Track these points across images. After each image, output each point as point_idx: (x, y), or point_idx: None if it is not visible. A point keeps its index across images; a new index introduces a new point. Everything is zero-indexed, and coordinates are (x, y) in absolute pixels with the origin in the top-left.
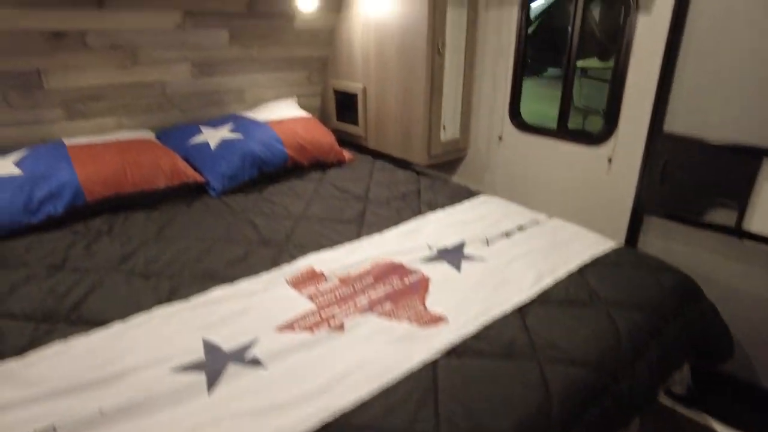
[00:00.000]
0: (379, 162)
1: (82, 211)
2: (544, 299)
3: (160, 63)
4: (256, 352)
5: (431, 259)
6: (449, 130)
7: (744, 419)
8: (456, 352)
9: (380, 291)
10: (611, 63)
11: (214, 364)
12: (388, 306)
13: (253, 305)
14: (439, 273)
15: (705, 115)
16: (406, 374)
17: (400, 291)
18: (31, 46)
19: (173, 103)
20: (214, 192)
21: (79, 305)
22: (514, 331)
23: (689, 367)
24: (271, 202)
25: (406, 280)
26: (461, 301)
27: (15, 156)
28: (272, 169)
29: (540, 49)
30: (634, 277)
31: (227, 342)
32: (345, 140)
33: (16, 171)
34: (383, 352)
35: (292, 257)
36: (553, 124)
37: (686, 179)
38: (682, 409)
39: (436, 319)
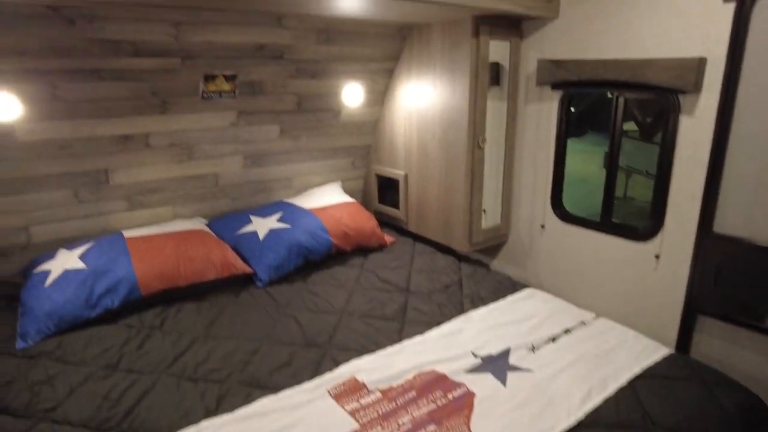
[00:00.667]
0: (419, 245)
1: (137, 304)
2: (594, 421)
3: (214, 157)
4: None
5: (476, 370)
6: (490, 217)
7: None
8: None
9: (423, 409)
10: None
11: None
12: (431, 428)
13: (298, 421)
14: (484, 387)
15: (757, 217)
16: None
17: (444, 408)
18: (102, 148)
19: (225, 193)
20: (260, 283)
21: (131, 412)
22: None
23: None
24: (314, 294)
25: (450, 396)
26: (508, 425)
27: (80, 250)
28: (317, 257)
29: (581, 120)
30: (692, 395)
31: None
32: (386, 222)
33: (80, 265)
34: None
35: (334, 363)
36: (590, 184)
37: (742, 281)
38: None
39: None
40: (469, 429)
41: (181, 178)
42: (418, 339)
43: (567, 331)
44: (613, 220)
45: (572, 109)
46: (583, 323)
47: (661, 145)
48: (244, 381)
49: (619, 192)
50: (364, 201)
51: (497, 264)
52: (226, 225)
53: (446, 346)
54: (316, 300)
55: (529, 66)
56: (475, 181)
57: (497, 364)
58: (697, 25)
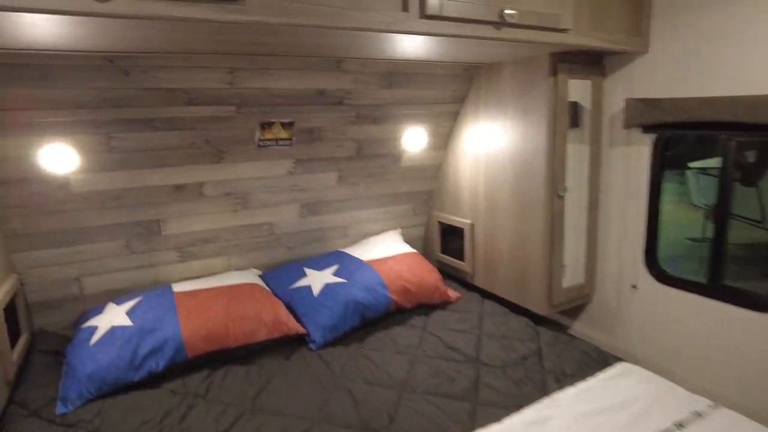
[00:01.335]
0: (488, 303)
1: (183, 366)
2: None
3: (270, 206)
4: None
5: None
6: (572, 275)
7: None
8: None
9: None
10: None
11: None
12: None
13: None
14: None
15: None
16: None
17: None
18: (155, 198)
19: (280, 242)
20: (313, 345)
21: None
22: None
23: None
24: (371, 360)
25: None
26: None
27: (128, 305)
28: (374, 315)
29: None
30: None
31: None
32: (449, 274)
33: (127, 322)
34: None
35: None
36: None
37: None
38: None
39: None
40: None
41: (235, 227)
42: (495, 429)
43: (680, 427)
44: (725, 282)
45: (667, 153)
46: (698, 414)
47: None
48: None
49: (700, 232)
50: (425, 250)
51: (579, 328)
52: (280, 277)
53: None
54: (373, 369)
55: (613, 106)
56: (555, 234)
57: None
58: None
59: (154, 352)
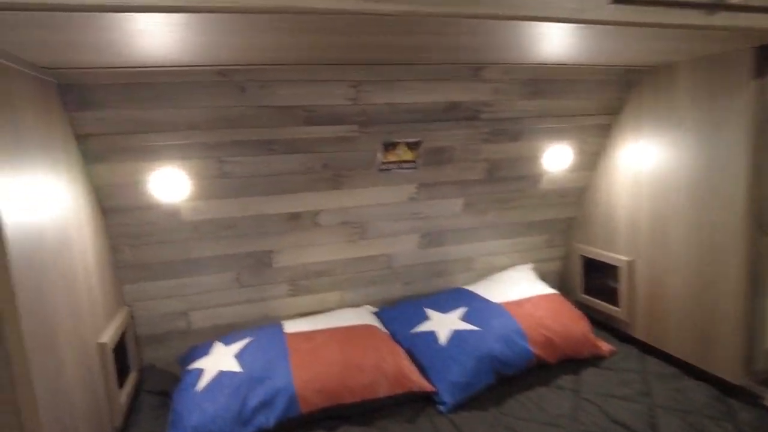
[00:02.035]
0: (651, 361)
1: (294, 423)
2: None
3: (388, 236)
4: None
5: None
6: None
7: None
8: None
9: None
10: None
11: None
12: None
13: None
14: None
15: None
16: None
17: None
18: (267, 228)
19: (397, 276)
20: (443, 407)
21: None
22: None
23: None
24: None
25: None
26: None
27: (237, 346)
28: (512, 372)
29: None
30: None
31: None
32: (595, 320)
33: (236, 367)
34: None
35: None
36: None
37: None
38: None
39: None
40: None
41: (350, 259)
42: None
43: None
44: None
45: None
46: None
47: None
48: None
49: None
50: (562, 289)
51: None
52: (398, 318)
53: None
54: None
55: None
56: (757, 280)
57: None
58: None
59: (264, 405)
